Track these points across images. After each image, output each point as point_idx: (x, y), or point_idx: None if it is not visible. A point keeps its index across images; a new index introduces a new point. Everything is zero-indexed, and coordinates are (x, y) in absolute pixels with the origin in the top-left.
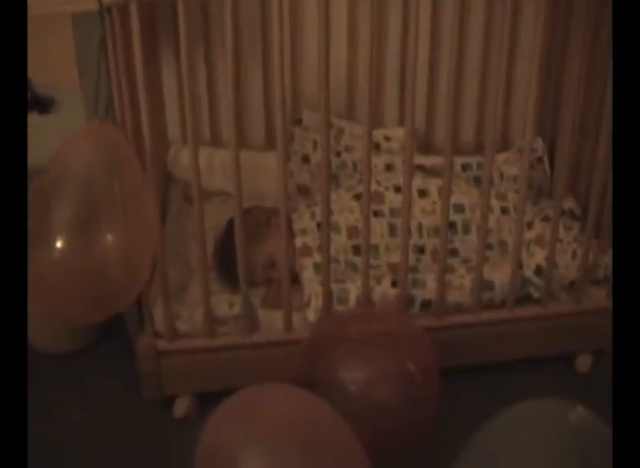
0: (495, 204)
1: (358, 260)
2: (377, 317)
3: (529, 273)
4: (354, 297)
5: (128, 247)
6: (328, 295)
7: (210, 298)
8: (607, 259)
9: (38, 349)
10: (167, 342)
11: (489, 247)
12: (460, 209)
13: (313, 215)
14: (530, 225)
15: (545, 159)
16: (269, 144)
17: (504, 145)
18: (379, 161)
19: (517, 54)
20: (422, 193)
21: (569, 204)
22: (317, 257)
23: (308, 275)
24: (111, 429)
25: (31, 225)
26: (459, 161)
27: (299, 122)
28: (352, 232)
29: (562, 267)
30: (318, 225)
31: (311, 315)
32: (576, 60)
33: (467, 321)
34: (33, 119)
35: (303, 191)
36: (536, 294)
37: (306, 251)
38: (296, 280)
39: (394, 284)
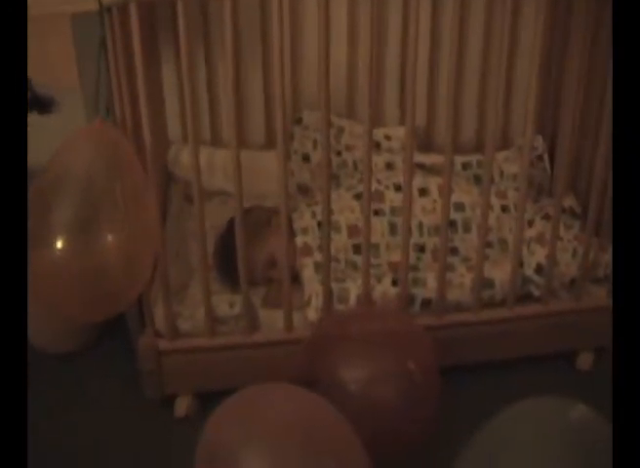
0: (495, 202)
1: (358, 259)
2: (377, 316)
3: (529, 271)
4: (355, 296)
5: (128, 246)
6: (328, 295)
7: (210, 298)
8: (607, 257)
9: (38, 349)
10: (168, 342)
11: (489, 245)
12: (460, 207)
13: (314, 215)
14: (530, 223)
15: (546, 157)
16: (269, 144)
17: (505, 144)
18: (379, 160)
19: (517, 52)
20: (423, 192)
21: (569, 202)
22: (318, 257)
23: (309, 274)
24: (112, 428)
25: (31, 225)
26: (459, 159)
27: (299, 121)
28: (353, 231)
29: (562, 265)
30: (319, 224)
31: (312, 314)
32: (576, 60)
33: (468, 319)
34: (33, 119)
35: (304, 190)
36: (536, 293)
37: (307, 250)
38: (296, 279)
39: (394, 283)
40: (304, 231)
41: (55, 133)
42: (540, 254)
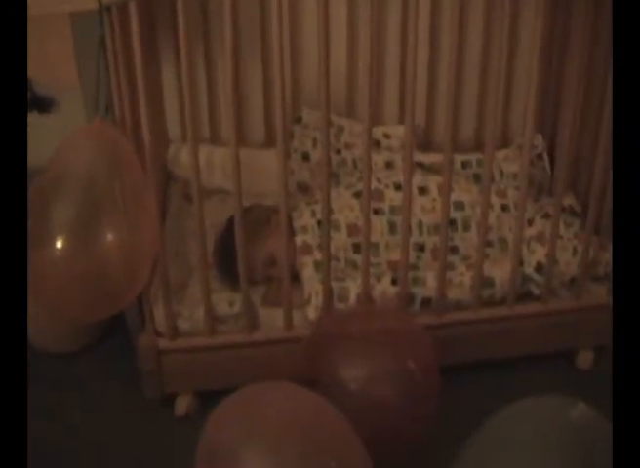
0: (495, 201)
1: (358, 258)
2: (377, 315)
3: (529, 270)
4: (354, 295)
5: (128, 246)
6: (328, 293)
7: (210, 297)
8: (607, 256)
9: (39, 349)
10: (168, 341)
11: (489, 244)
12: (460, 206)
13: (313, 213)
14: (530, 222)
15: (545, 156)
16: (269, 142)
17: (504, 142)
18: (379, 158)
19: (517, 51)
20: (422, 191)
21: (569, 201)
22: (317, 255)
23: (309, 273)
24: (112, 427)
25: (31, 225)
26: (458, 158)
27: (298, 120)
28: (352, 230)
29: (562, 264)
30: (318, 223)
31: (312, 313)
32: (576, 59)
33: (468, 318)
34: (33, 119)
35: (304, 189)
36: (536, 291)
37: (307, 248)
38: (296, 278)
39: (394, 281)
40: (304, 230)
41: (55, 132)
42: (539, 253)
